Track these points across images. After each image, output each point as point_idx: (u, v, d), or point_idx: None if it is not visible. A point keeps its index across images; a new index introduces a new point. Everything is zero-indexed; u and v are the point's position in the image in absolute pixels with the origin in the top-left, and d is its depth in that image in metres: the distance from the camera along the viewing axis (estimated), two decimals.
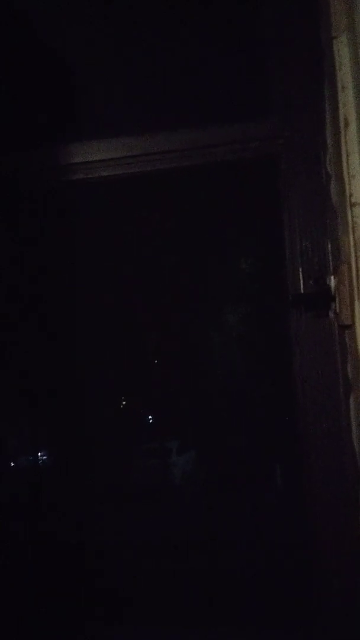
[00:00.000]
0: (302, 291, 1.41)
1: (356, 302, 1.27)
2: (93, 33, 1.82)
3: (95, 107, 1.89)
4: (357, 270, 1.27)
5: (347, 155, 1.29)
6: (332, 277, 1.39)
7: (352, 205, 1.27)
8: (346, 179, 1.28)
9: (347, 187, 1.28)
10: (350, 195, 1.27)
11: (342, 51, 1.30)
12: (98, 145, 1.60)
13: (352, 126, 1.29)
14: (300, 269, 1.42)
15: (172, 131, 1.58)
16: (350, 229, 1.27)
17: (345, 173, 1.28)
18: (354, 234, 1.27)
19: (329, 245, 1.41)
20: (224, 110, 1.66)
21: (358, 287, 1.27)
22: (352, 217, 1.27)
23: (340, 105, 1.30)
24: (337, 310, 1.36)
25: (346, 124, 1.29)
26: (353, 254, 1.27)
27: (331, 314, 1.39)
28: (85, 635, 1.84)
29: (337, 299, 1.36)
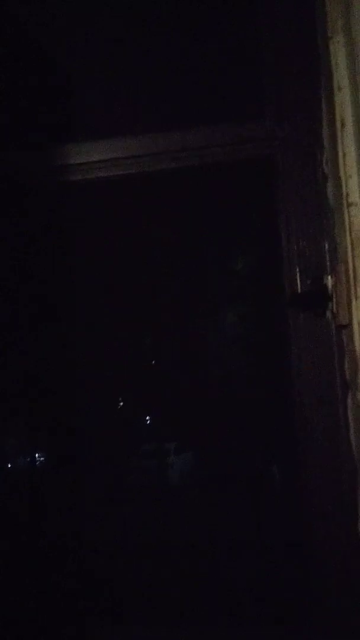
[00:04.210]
0: (299, 291, 1.42)
1: (353, 301, 1.27)
2: (88, 34, 1.83)
3: (92, 108, 1.90)
4: (354, 270, 1.27)
5: (344, 156, 1.29)
6: (329, 277, 1.39)
7: (349, 205, 1.27)
8: (343, 179, 1.29)
9: (343, 187, 1.28)
10: (347, 195, 1.28)
11: (339, 52, 1.30)
12: (95, 146, 1.60)
13: (349, 127, 1.29)
14: (297, 269, 1.43)
15: (169, 132, 1.58)
16: (347, 229, 1.27)
17: (342, 173, 1.29)
18: (350, 234, 1.27)
19: (326, 245, 1.41)
20: (220, 111, 1.66)
21: (355, 287, 1.27)
22: (349, 217, 1.27)
23: (337, 105, 1.30)
24: (334, 310, 1.36)
25: (342, 125, 1.29)
26: (350, 254, 1.27)
27: (328, 314, 1.39)
28: (85, 635, 1.84)
29: (334, 299, 1.36)
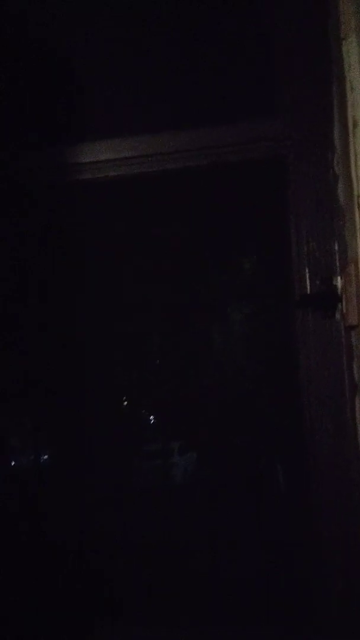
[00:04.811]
0: (308, 291, 1.42)
1: None
2: (98, 31, 1.82)
3: (103, 107, 1.90)
4: None
5: (355, 156, 1.29)
6: (338, 278, 1.39)
7: None
8: (354, 180, 1.28)
9: (355, 187, 1.28)
10: (358, 196, 1.27)
11: (351, 52, 1.30)
12: (106, 145, 1.61)
13: None
14: (307, 270, 1.43)
15: (180, 131, 1.58)
16: (357, 230, 1.27)
17: (353, 174, 1.29)
18: None
19: (336, 246, 1.42)
20: (232, 111, 1.66)
21: None
22: None
23: (349, 106, 1.30)
24: (344, 311, 1.36)
25: (355, 125, 1.29)
26: None
27: (337, 315, 1.39)
28: (85, 635, 1.84)
29: (343, 300, 1.36)
